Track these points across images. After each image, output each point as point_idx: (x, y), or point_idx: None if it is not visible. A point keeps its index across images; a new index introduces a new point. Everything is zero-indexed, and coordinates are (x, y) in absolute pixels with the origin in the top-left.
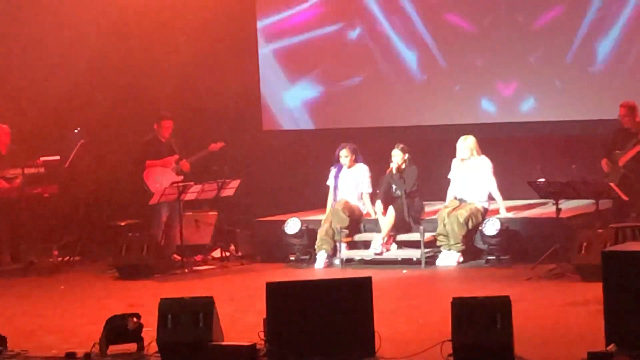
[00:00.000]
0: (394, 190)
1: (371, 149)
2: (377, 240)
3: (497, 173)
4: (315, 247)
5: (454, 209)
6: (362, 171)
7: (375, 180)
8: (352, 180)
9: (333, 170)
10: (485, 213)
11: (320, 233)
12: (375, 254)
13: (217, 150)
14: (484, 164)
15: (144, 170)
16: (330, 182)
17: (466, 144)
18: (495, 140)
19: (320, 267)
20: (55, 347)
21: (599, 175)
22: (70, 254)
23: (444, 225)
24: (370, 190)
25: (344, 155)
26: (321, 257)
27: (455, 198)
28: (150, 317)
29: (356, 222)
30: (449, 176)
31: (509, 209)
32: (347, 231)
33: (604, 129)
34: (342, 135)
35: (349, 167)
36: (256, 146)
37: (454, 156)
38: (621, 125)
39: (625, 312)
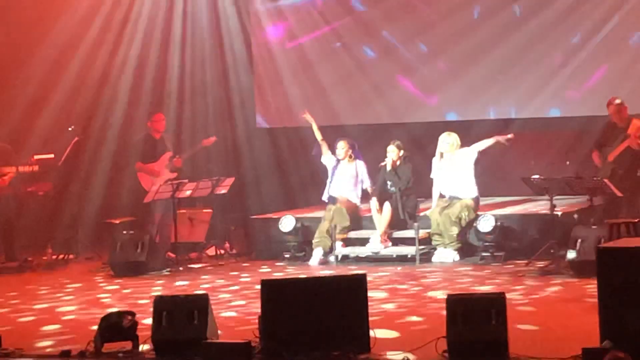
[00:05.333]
0: (388, 186)
1: (366, 146)
2: (374, 238)
3: (491, 169)
4: (313, 243)
5: (444, 207)
6: (360, 168)
7: (371, 177)
8: (349, 175)
9: (331, 161)
10: (477, 207)
11: (321, 231)
12: (373, 252)
13: (210, 145)
14: (469, 154)
15: (138, 169)
16: (328, 171)
17: (450, 140)
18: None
19: (315, 264)
20: (50, 346)
21: (592, 171)
22: (64, 251)
23: (437, 225)
24: (371, 186)
25: (341, 147)
26: (317, 254)
27: (442, 196)
28: (145, 315)
29: (357, 220)
30: (432, 176)
31: (500, 205)
32: (339, 226)
33: (597, 125)
34: (337, 132)
35: (342, 158)
36: (250, 144)
37: None
38: (610, 121)
39: (620, 309)
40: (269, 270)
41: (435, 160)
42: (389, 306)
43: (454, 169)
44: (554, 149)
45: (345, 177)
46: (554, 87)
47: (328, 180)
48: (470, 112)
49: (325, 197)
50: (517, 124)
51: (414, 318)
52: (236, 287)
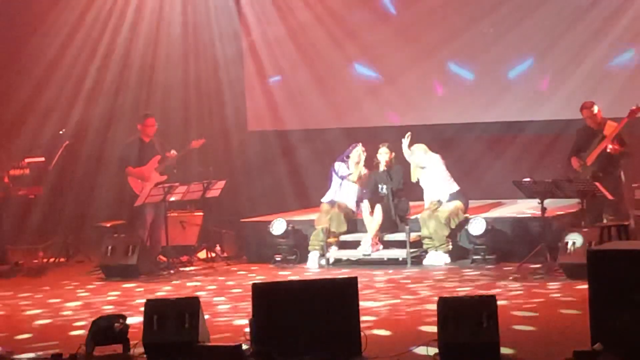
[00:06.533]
0: (380, 189)
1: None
2: (366, 242)
3: (483, 172)
4: (309, 246)
5: (434, 210)
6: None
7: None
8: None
9: (341, 167)
10: (467, 209)
11: (317, 235)
12: (364, 255)
13: (199, 147)
14: (435, 160)
15: (128, 173)
16: (339, 176)
17: (424, 150)
18: (480, 140)
19: (313, 266)
20: (41, 349)
21: (573, 177)
22: (55, 255)
23: (427, 228)
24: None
25: (358, 152)
26: (314, 257)
27: (432, 202)
28: (136, 318)
29: (352, 224)
30: (421, 184)
31: (491, 208)
32: (335, 232)
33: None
34: (327, 135)
35: (357, 162)
36: (241, 147)
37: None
38: (584, 125)
39: (610, 311)
40: (260, 273)
41: (416, 172)
42: (378, 308)
43: (435, 172)
44: (546, 152)
45: (354, 185)
46: (548, 89)
47: (337, 186)
48: (459, 116)
49: (325, 199)
50: (513, 126)
51: (402, 318)
52: (227, 290)
